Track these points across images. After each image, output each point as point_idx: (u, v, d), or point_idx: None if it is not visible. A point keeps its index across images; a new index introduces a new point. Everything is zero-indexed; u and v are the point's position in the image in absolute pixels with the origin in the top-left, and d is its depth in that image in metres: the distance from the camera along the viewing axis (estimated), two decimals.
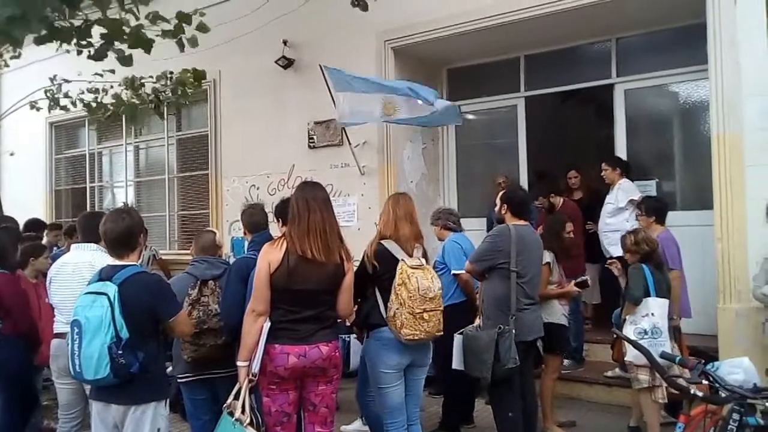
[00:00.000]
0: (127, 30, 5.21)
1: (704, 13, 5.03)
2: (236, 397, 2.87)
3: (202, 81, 7.02)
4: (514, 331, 3.62)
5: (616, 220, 5.55)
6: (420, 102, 5.39)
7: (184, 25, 5.55)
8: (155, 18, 5.40)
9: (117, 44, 5.26)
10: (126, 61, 5.45)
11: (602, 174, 5.93)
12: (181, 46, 5.67)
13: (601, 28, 6.18)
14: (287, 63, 7.24)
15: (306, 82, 6.95)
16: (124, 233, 2.87)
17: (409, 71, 6.90)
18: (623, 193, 5.63)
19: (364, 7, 5.79)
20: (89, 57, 5.37)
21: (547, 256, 4.38)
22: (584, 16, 5.87)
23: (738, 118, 4.82)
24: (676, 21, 5.83)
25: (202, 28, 5.66)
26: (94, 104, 7.06)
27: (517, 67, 6.95)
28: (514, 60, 6.95)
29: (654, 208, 4.89)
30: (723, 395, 2.47)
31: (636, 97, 6.32)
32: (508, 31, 6.18)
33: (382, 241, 3.36)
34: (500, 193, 4.05)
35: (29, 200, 9.64)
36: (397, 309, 3.18)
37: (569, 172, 6.76)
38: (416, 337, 3.20)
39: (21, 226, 6.03)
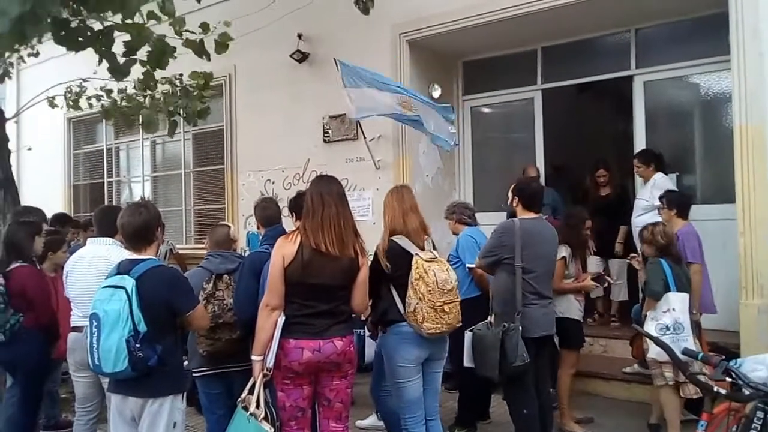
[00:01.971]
0: (150, 39, 5.18)
1: (726, 2, 4.92)
2: (251, 392, 2.87)
3: (213, 80, 6.99)
4: (520, 328, 3.56)
5: (648, 218, 5.18)
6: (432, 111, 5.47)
7: (204, 36, 5.55)
8: (180, 28, 5.39)
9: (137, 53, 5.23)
10: (148, 75, 5.46)
11: (636, 172, 5.79)
12: (205, 55, 5.68)
13: (619, 18, 6.07)
14: (302, 57, 7.23)
15: (321, 76, 6.93)
16: (141, 227, 2.89)
17: (424, 64, 6.86)
18: (658, 190, 5.25)
19: (365, 10, 5.78)
20: (109, 70, 5.35)
21: (563, 251, 4.32)
22: (602, 7, 5.77)
23: (761, 110, 4.71)
24: (697, 11, 5.70)
25: (226, 38, 5.66)
26: (108, 101, 7.05)
27: (534, 60, 6.86)
28: (531, 52, 6.86)
29: (676, 202, 4.79)
30: (746, 393, 2.42)
31: (656, 89, 6.21)
32: (524, 22, 6.09)
33: (392, 238, 3.32)
34: (512, 186, 3.96)
35: (48, 195, 9.74)
36: (417, 304, 3.15)
37: (597, 170, 6.49)
38: (438, 330, 3.17)
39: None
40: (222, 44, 5.64)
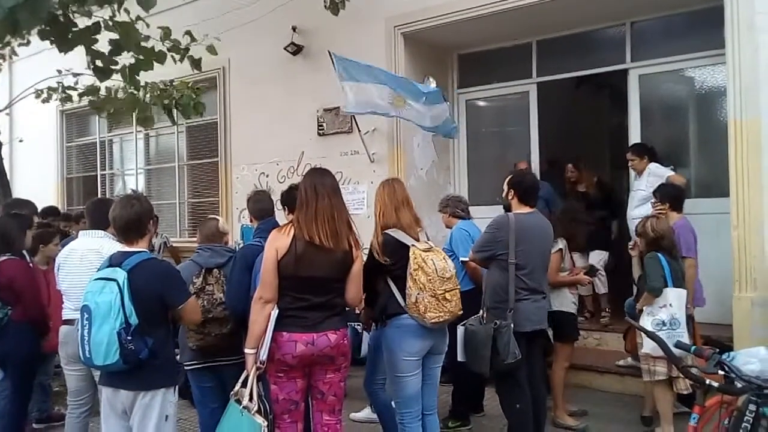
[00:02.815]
0: (138, 39, 5.14)
1: None
2: (244, 385, 2.86)
3: (206, 73, 6.98)
4: (512, 324, 3.54)
5: (647, 209, 5.12)
6: (422, 102, 5.46)
7: (191, 44, 5.55)
8: (166, 35, 5.37)
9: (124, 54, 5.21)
10: (131, 78, 5.45)
11: (630, 165, 5.77)
12: (190, 61, 5.68)
13: (615, 11, 6.06)
14: (296, 49, 7.19)
15: (315, 69, 6.90)
16: (133, 219, 2.88)
17: (419, 57, 6.83)
18: (655, 178, 5.30)
19: (334, 10, 5.77)
20: (94, 70, 5.31)
21: (560, 243, 4.32)
22: (598, 0, 5.75)
23: (755, 104, 4.72)
24: (693, 4, 5.69)
25: (211, 50, 5.65)
26: (97, 98, 6.99)
27: (529, 53, 6.84)
28: (526, 45, 6.84)
29: (670, 195, 4.78)
30: (739, 385, 2.42)
31: (651, 83, 6.20)
32: (519, 15, 6.07)
33: (387, 231, 3.29)
34: (507, 178, 3.93)
35: (41, 188, 9.70)
36: (418, 294, 3.11)
37: (567, 165, 6.62)
38: (442, 319, 3.14)
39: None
40: (196, 61, 5.68)
